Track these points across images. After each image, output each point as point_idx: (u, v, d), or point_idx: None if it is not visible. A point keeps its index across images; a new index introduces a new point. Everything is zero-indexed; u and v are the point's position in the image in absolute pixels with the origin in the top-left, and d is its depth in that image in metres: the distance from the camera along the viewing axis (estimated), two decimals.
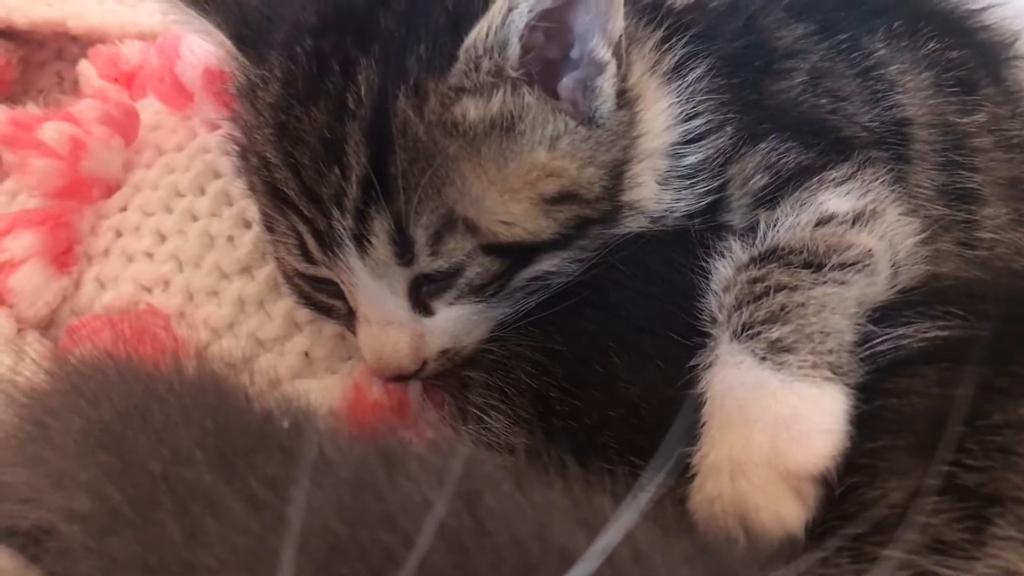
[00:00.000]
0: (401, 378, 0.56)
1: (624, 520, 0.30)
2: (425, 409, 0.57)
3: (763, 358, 0.47)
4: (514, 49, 0.49)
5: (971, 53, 0.70)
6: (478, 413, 0.56)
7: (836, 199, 0.58)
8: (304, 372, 0.59)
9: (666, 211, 0.59)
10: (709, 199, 0.59)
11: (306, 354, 0.60)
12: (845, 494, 0.44)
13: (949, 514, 0.41)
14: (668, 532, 0.36)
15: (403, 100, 0.49)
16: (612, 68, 0.52)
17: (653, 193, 0.59)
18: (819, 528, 0.44)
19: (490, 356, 0.57)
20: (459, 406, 0.57)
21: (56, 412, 0.39)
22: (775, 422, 0.45)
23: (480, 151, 0.50)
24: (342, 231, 0.51)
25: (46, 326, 0.59)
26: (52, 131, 0.62)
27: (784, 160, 0.59)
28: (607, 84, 0.53)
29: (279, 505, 0.32)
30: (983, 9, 0.76)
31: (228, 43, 0.54)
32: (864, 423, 0.46)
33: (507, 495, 0.34)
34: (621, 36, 0.52)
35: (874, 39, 0.66)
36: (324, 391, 0.57)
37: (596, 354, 0.54)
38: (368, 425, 0.55)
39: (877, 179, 0.60)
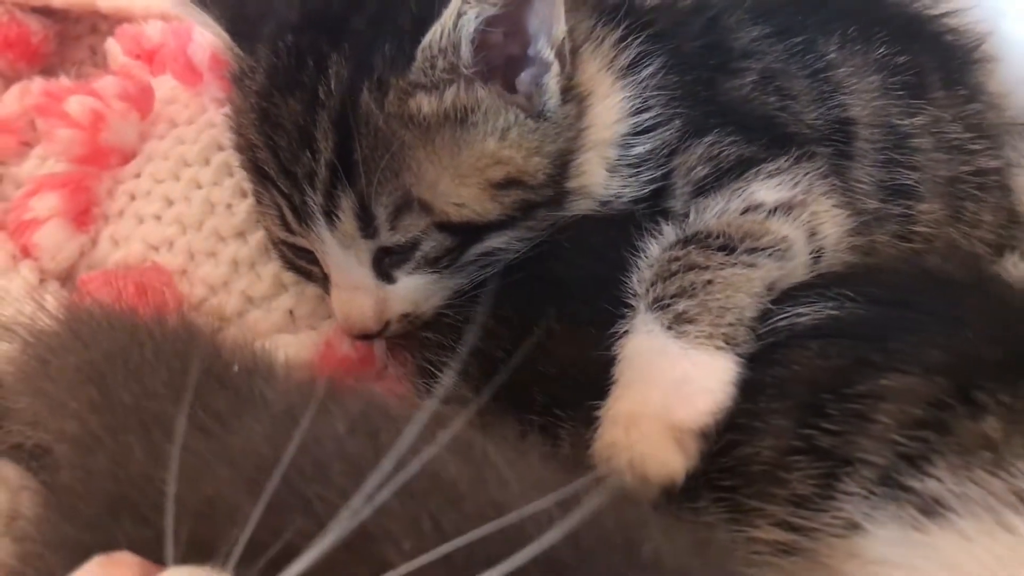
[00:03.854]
0: (366, 337, 0.63)
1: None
2: (389, 364, 0.65)
3: (668, 327, 0.54)
4: (466, 50, 0.56)
5: (927, 57, 0.75)
6: (433, 369, 0.64)
7: (766, 190, 0.63)
8: (287, 328, 0.67)
9: (614, 196, 0.65)
10: (654, 186, 0.65)
11: (290, 312, 0.68)
12: (725, 449, 0.51)
13: (806, 471, 0.48)
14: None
15: (367, 94, 0.56)
16: (556, 68, 0.59)
17: (602, 179, 0.65)
18: (702, 479, 0.51)
19: (446, 320, 0.64)
20: (417, 363, 0.65)
21: (56, 351, 0.47)
22: (668, 382, 0.52)
23: (434, 140, 0.57)
24: (314, 207, 0.58)
25: (65, 278, 0.67)
26: (76, 104, 0.70)
27: (726, 153, 0.65)
28: (552, 82, 0.59)
29: (220, 432, 0.40)
30: (950, 13, 0.81)
31: (224, 35, 0.62)
32: (750, 388, 0.52)
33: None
34: (564, 39, 0.58)
35: (828, 43, 0.71)
36: (300, 345, 0.65)
37: (537, 319, 0.61)
38: (336, 375, 0.63)
39: (810, 173, 0.66)
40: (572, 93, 0.61)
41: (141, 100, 0.72)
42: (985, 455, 0.44)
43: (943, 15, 0.79)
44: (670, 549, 0.40)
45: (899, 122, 0.70)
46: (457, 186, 0.58)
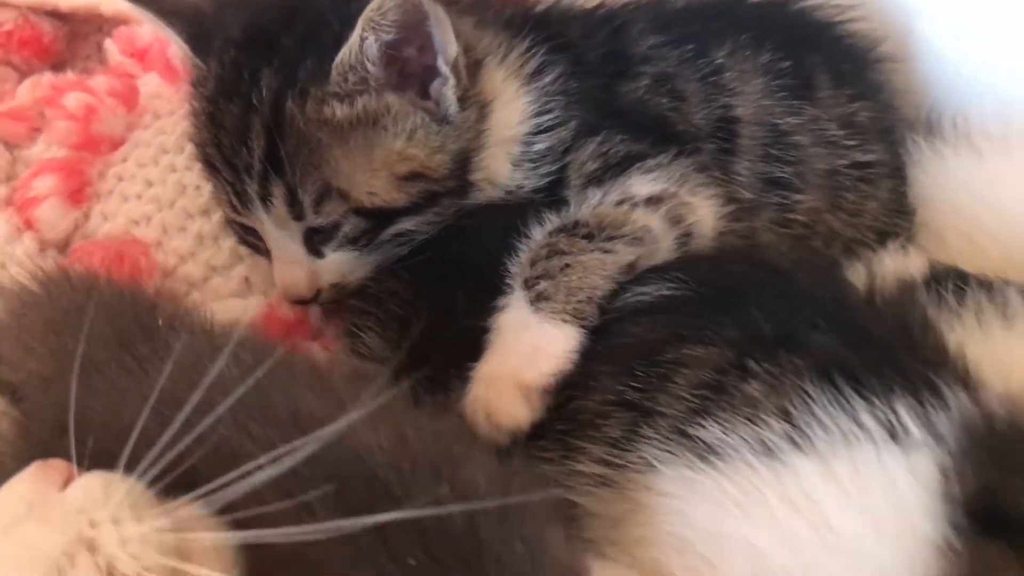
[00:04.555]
0: (302, 302, 0.75)
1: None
2: (322, 326, 0.77)
3: (531, 303, 0.65)
4: (373, 66, 0.67)
5: (819, 60, 0.84)
6: (358, 332, 0.76)
7: (642, 183, 0.73)
8: (243, 293, 0.79)
9: (517, 187, 0.76)
10: (551, 179, 0.75)
11: (246, 279, 0.80)
12: (564, 403, 0.62)
13: (618, 419, 0.59)
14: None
15: (291, 101, 0.67)
16: (452, 81, 0.69)
17: (507, 172, 0.75)
18: (547, 425, 0.63)
19: (370, 290, 0.75)
20: (345, 326, 0.77)
21: (31, 306, 0.60)
22: (523, 349, 0.63)
23: (348, 140, 0.68)
24: (252, 194, 0.70)
25: (63, 247, 0.80)
26: (72, 99, 0.83)
27: (615, 150, 0.75)
28: (449, 92, 0.69)
29: (140, 373, 0.53)
30: (849, 19, 0.89)
31: (186, 47, 0.74)
32: (589, 354, 0.63)
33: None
34: (457, 56, 0.69)
35: (719, 50, 0.80)
36: (250, 308, 0.77)
37: (446, 293, 0.72)
38: (276, 334, 0.75)
39: (687, 168, 0.76)
40: (472, 100, 0.72)
41: (128, 96, 0.85)
42: (746, 411, 0.54)
43: (842, 21, 0.88)
44: (484, 476, 0.51)
45: (779, 121, 0.80)
46: (369, 178, 0.69)
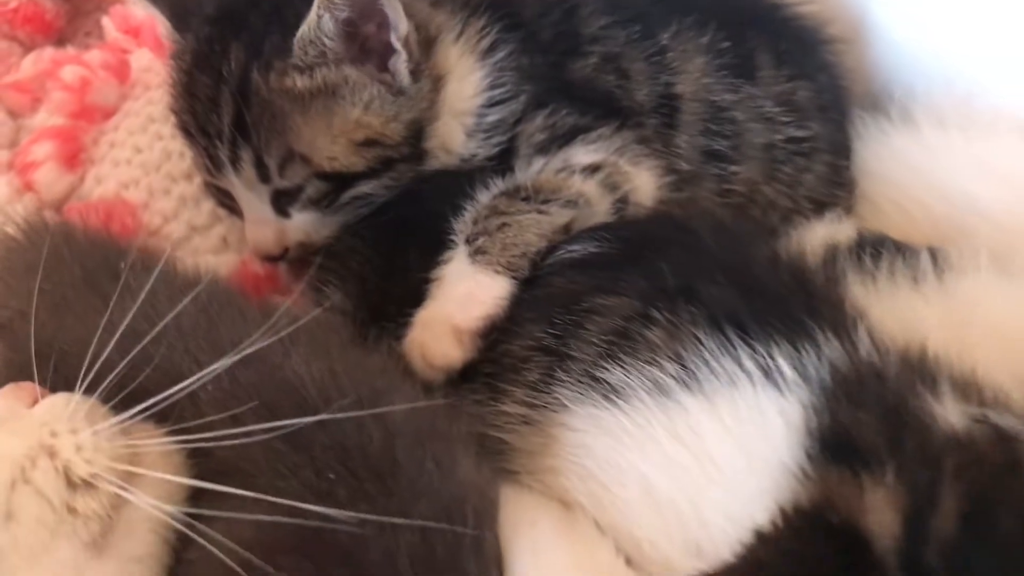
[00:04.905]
0: (271, 259, 0.82)
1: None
2: (290, 280, 0.84)
3: (469, 256, 0.71)
4: (330, 41, 0.73)
5: (762, 41, 0.89)
6: (322, 286, 0.82)
7: (583, 153, 0.79)
8: (221, 250, 0.86)
9: (471, 155, 0.82)
10: (502, 148, 0.82)
11: (224, 238, 0.87)
12: (492, 346, 0.68)
13: (537, 363, 0.65)
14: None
15: (256, 73, 0.74)
16: (403, 56, 0.75)
17: (461, 141, 0.82)
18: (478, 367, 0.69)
19: (333, 248, 0.82)
20: (310, 281, 0.84)
21: (14, 251, 0.67)
22: (458, 297, 0.70)
23: (309, 109, 0.74)
24: (223, 158, 0.76)
25: (59, 207, 0.88)
26: (69, 72, 0.90)
27: (562, 122, 0.81)
28: (402, 66, 0.76)
29: (105, 310, 0.60)
30: (799, 1, 0.94)
31: (167, 24, 0.80)
32: (518, 303, 0.69)
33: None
34: (408, 33, 0.75)
35: (664, 31, 0.86)
36: (225, 264, 0.84)
37: (401, 250, 0.79)
38: (248, 288, 0.82)
39: (627, 139, 0.81)
40: (425, 74, 0.78)
41: (120, 70, 0.92)
42: (646, 355, 0.60)
43: (789, 4, 0.93)
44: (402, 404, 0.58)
45: (717, 98, 0.85)
46: (329, 144, 0.76)
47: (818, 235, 0.84)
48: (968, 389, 0.55)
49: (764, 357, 0.56)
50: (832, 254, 0.80)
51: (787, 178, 0.88)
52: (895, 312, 0.71)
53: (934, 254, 0.77)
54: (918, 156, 0.90)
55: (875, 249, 0.78)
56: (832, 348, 0.56)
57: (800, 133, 0.87)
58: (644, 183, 0.80)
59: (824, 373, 0.55)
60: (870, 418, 0.51)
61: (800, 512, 0.47)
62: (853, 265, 0.77)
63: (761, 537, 0.46)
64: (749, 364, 0.57)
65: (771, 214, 0.88)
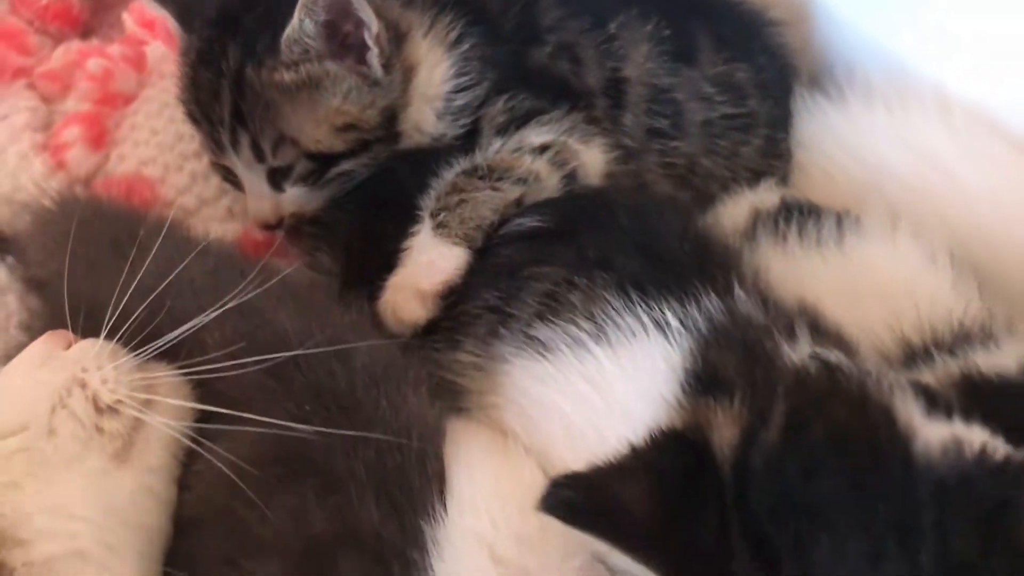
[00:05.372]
0: (269, 228, 0.95)
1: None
2: (286, 246, 0.97)
3: (433, 229, 0.84)
4: (312, 41, 0.85)
5: (701, 26, 0.99)
6: (313, 251, 0.95)
7: (537, 134, 0.91)
8: (227, 219, 1.00)
9: (441, 135, 0.94)
10: (467, 129, 0.93)
11: (230, 209, 1.00)
12: (451, 306, 0.81)
13: (486, 320, 0.77)
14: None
15: (250, 69, 0.85)
16: (375, 52, 0.87)
17: (432, 123, 0.93)
18: (439, 323, 0.82)
19: (322, 219, 0.94)
20: (303, 247, 0.97)
21: (50, 221, 0.81)
22: (421, 264, 0.82)
23: (296, 99, 0.86)
24: (225, 141, 0.89)
25: (87, 183, 1.01)
26: (93, 64, 1.03)
27: (520, 105, 0.92)
28: (375, 60, 0.87)
29: (124, 266, 0.73)
30: None
31: (176, 23, 0.93)
32: (472, 270, 0.82)
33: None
34: (379, 31, 0.86)
35: (613, 21, 0.96)
36: (230, 231, 0.97)
37: (379, 222, 0.91)
38: (250, 252, 0.95)
39: (577, 120, 0.93)
40: (397, 66, 0.89)
41: (138, 61, 1.05)
42: (568, 315, 0.72)
43: None
44: (366, 353, 0.71)
45: (659, 81, 0.96)
46: (314, 129, 0.88)
47: (746, 202, 0.95)
48: (823, 335, 0.67)
49: (657, 313, 0.68)
50: (754, 219, 0.91)
51: (725, 151, 0.99)
52: (795, 271, 0.83)
53: (840, 218, 0.88)
54: (845, 129, 1.00)
55: (791, 214, 0.89)
56: (713, 303, 0.68)
57: (737, 110, 0.98)
58: (593, 159, 0.92)
59: (702, 324, 0.67)
60: (732, 358, 0.63)
61: (666, 431, 0.59)
62: (769, 229, 0.89)
63: (632, 448, 0.58)
64: (645, 319, 0.69)
65: (711, 183, 0.99)
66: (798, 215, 0.89)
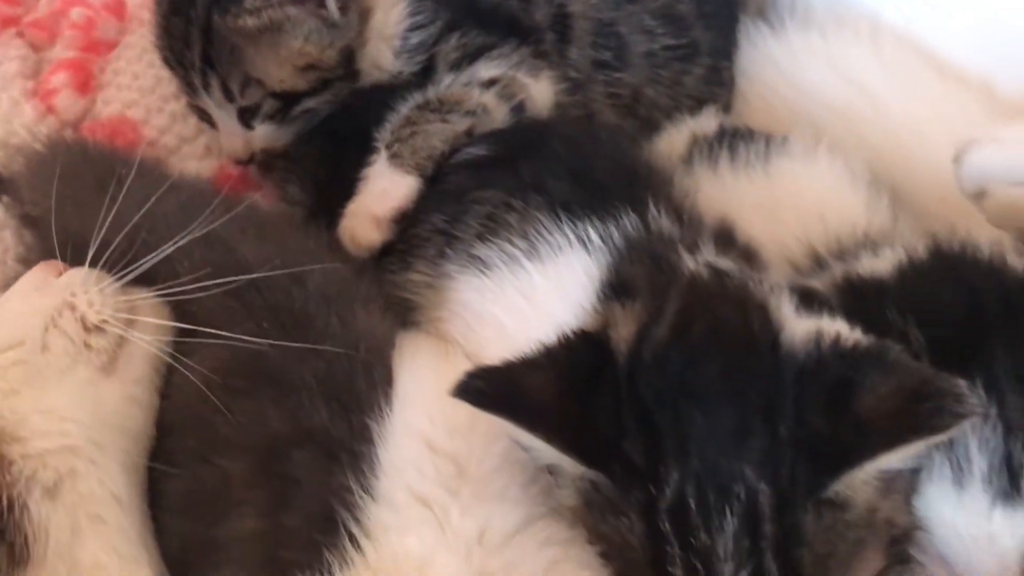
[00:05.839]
0: (242, 163, 1.02)
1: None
2: (259, 179, 1.05)
3: (388, 159, 0.91)
4: None
5: None
6: (284, 183, 1.03)
7: (487, 68, 0.97)
8: (204, 157, 1.07)
9: (398, 71, 1.00)
10: (423, 66, 1.00)
11: (207, 147, 1.08)
12: (405, 229, 0.89)
13: (434, 241, 0.85)
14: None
15: (216, 16, 0.92)
16: None
17: (390, 61, 1.00)
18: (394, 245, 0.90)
19: (291, 153, 1.01)
20: (275, 179, 1.05)
21: (43, 163, 0.89)
22: (376, 191, 0.90)
23: (260, 43, 0.93)
24: (197, 84, 0.96)
25: (76, 126, 1.08)
26: (76, 13, 1.10)
27: (472, 42, 0.99)
28: (332, 3, 0.94)
29: (109, 204, 0.81)
30: None
31: None
32: (424, 196, 0.89)
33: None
34: None
35: None
36: (207, 167, 1.05)
37: (341, 152, 0.99)
38: (226, 186, 1.03)
39: (525, 55, 0.99)
40: (353, 8, 0.96)
41: (118, 9, 1.12)
42: (505, 234, 0.80)
43: None
44: (319, 275, 0.79)
45: (603, 15, 1.02)
46: (277, 70, 0.95)
47: (687, 129, 1.02)
48: (732, 247, 0.75)
49: (581, 230, 0.76)
50: (692, 145, 0.98)
51: (667, 81, 1.05)
52: (723, 191, 0.90)
53: (768, 141, 0.94)
54: (783, 57, 1.06)
55: (725, 138, 0.96)
56: (631, 221, 0.75)
57: (678, 41, 1.04)
58: (542, 91, 0.98)
59: (619, 240, 0.74)
60: (642, 269, 0.71)
61: (575, 331, 0.67)
62: (704, 153, 0.96)
63: (544, 345, 0.66)
64: (571, 236, 0.76)
65: (655, 112, 1.06)
66: (731, 139, 0.95)
